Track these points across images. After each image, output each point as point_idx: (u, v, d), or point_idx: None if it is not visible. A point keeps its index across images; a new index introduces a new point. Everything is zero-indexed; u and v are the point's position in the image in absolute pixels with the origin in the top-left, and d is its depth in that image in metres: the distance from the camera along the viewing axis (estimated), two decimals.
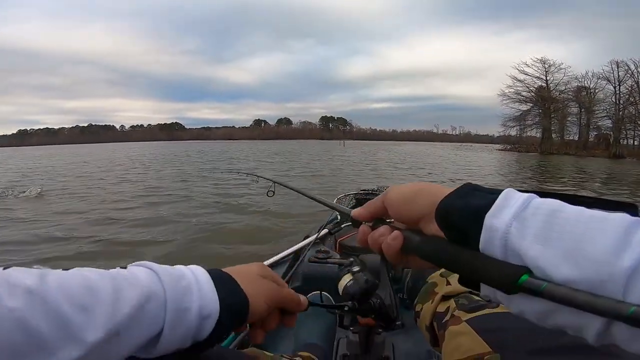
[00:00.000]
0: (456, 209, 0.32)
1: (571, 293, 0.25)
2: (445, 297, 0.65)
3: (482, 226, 0.30)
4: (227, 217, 4.69)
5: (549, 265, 0.26)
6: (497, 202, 0.30)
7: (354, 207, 1.58)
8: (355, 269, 0.59)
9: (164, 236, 3.79)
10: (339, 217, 1.51)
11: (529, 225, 0.28)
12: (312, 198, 0.82)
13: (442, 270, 0.67)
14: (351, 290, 0.57)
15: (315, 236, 1.39)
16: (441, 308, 0.65)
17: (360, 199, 1.84)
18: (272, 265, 1.24)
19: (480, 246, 0.30)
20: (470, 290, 0.63)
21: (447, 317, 0.61)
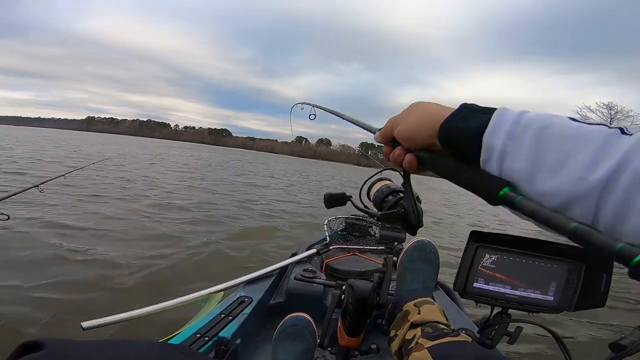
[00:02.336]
0: (456, 131, 0.36)
1: (537, 208, 0.29)
2: (414, 325, 0.69)
3: (480, 146, 0.33)
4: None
5: (533, 180, 0.30)
6: (491, 122, 0.33)
7: (343, 231, 1.82)
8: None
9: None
10: (328, 239, 1.55)
11: (521, 142, 0.31)
12: (342, 116, 0.86)
13: (417, 299, 0.74)
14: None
15: (302, 255, 1.38)
16: (409, 335, 0.68)
17: (351, 223, 1.85)
18: (256, 280, 1.22)
19: (481, 162, 0.34)
20: (437, 320, 0.69)
21: (413, 344, 0.65)
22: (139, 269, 2.66)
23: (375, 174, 0.73)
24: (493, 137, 0.32)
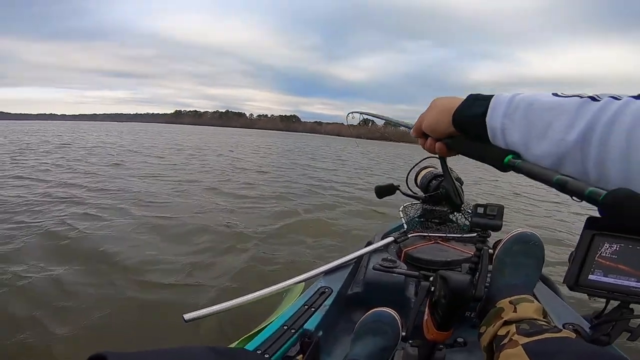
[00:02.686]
0: (465, 118, 0.47)
1: (531, 167, 0.38)
2: (508, 322, 0.67)
3: (485, 127, 0.43)
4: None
5: (528, 147, 0.39)
6: (490, 106, 0.43)
7: (420, 217, 1.47)
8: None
9: None
10: (405, 227, 1.48)
11: (514, 119, 0.40)
12: (386, 119, 0.96)
13: (514, 296, 0.71)
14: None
15: (379, 244, 1.34)
16: (502, 332, 0.66)
17: (429, 209, 1.74)
18: (334, 270, 1.21)
19: (490, 139, 0.43)
20: (535, 317, 0.65)
21: (506, 340, 0.62)
22: (225, 255, 2.87)
23: (419, 162, 0.78)
24: (493, 119, 0.42)
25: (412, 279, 1.06)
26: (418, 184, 0.79)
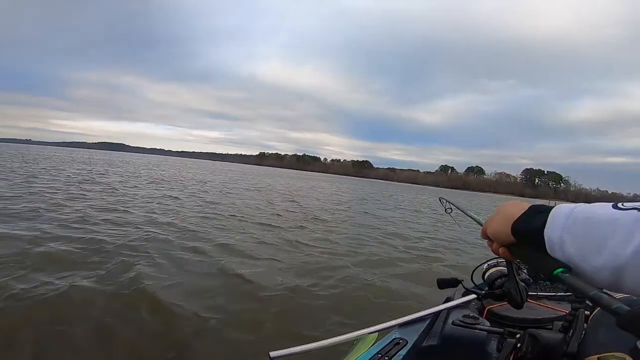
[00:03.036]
0: (524, 230, 0.49)
1: (574, 282, 0.40)
2: None
3: (543, 238, 0.44)
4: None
5: (585, 260, 0.40)
6: (549, 220, 0.44)
7: (499, 278, 1.43)
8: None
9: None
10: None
11: (572, 232, 0.41)
12: (470, 217, 1.04)
13: (603, 353, 0.69)
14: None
15: (459, 300, 1.30)
16: None
17: (518, 267, 1.62)
18: (409, 323, 1.19)
19: (547, 250, 0.44)
20: None
21: None
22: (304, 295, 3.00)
23: (487, 261, 0.84)
24: (551, 232, 0.44)
25: (494, 336, 1.04)
26: (485, 279, 0.85)
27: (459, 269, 4.57)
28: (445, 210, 1.55)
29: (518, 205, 0.53)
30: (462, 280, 1.02)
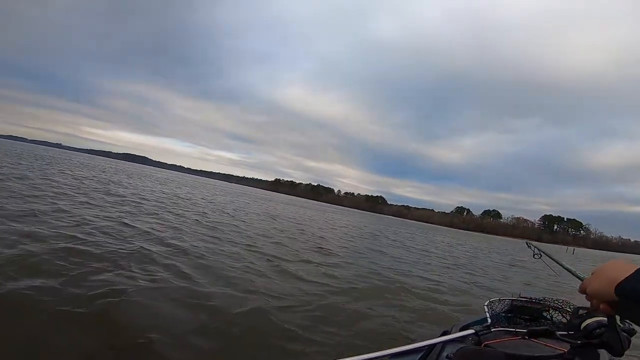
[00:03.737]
0: (629, 292, 0.52)
1: None
2: None
3: None
4: None
5: None
6: None
7: (507, 312, 1.63)
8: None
9: None
10: (489, 320, 1.47)
11: None
12: (567, 269, 1.05)
13: None
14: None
15: (456, 335, 1.28)
16: None
17: (518, 306, 1.68)
18: (402, 354, 1.16)
19: None
20: None
21: None
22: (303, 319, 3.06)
23: (589, 312, 0.84)
24: None
25: None
26: (581, 327, 0.84)
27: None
28: (534, 255, 1.60)
29: (620, 269, 0.55)
30: (555, 331, 1.00)
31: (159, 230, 6.20)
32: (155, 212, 8.70)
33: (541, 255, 1.54)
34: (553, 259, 1.26)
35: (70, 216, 5.69)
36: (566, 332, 1.23)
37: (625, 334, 0.73)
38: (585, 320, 0.80)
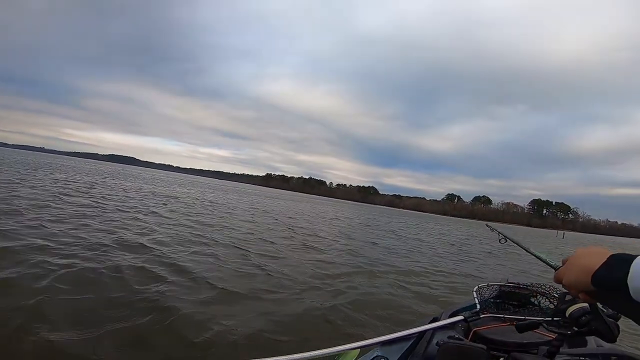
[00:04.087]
0: (605, 281, 0.50)
1: None
2: None
3: (627, 287, 0.46)
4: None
5: None
6: (631, 269, 0.46)
7: (496, 298, 1.63)
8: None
9: None
10: (478, 307, 1.47)
11: None
12: (527, 250, 1.09)
13: None
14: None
15: (445, 321, 1.30)
16: None
17: (508, 291, 1.69)
18: (392, 341, 1.18)
19: (633, 297, 0.46)
20: None
21: None
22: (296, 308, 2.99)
23: (570, 299, 0.84)
24: (635, 282, 0.45)
25: (480, 357, 1.04)
26: (567, 315, 0.81)
27: None
28: (499, 240, 1.55)
29: (595, 255, 0.54)
30: (542, 323, 1.01)
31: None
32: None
33: (507, 240, 1.49)
34: (520, 245, 1.23)
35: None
36: (553, 320, 1.26)
37: (610, 319, 0.72)
38: (570, 306, 0.81)
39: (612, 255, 0.51)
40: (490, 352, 0.93)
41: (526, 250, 1.13)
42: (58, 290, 2.69)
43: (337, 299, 3.63)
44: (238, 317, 2.73)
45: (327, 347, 1.07)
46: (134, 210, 8.34)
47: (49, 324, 2.19)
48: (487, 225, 2.03)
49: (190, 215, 9.08)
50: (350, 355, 1.17)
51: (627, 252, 0.52)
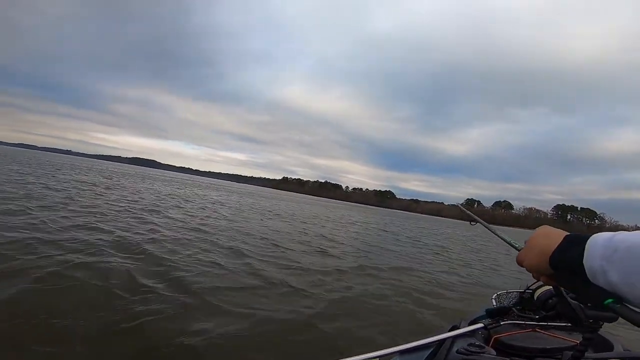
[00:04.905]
0: (561, 263, 0.49)
1: (631, 314, 0.41)
2: None
3: (583, 268, 0.45)
4: None
5: (633, 287, 0.40)
6: (586, 249, 0.45)
7: (515, 305, 1.46)
8: None
9: None
10: (498, 314, 1.42)
11: (613, 261, 0.42)
12: (493, 232, 1.09)
13: None
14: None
15: (465, 329, 1.25)
16: None
17: (527, 298, 1.62)
18: (411, 350, 1.16)
19: (589, 278, 0.45)
20: None
21: None
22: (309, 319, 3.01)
23: (533, 284, 0.83)
24: (591, 262, 0.44)
25: None
26: (535, 300, 0.87)
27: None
28: (470, 223, 1.53)
29: (551, 237, 0.52)
30: (512, 308, 1.04)
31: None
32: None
33: (476, 223, 1.48)
34: (487, 228, 1.26)
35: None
36: (524, 305, 1.31)
37: (575, 301, 0.68)
38: (537, 289, 0.80)
39: (567, 236, 0.50)
40: (513, 359, 0.91)
41: (492, 232, 1.14)
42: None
43: (360, 306, 3.61)
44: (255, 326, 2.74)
45: (345, 358, 1.06)
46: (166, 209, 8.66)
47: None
48: (456, 205, 2.00)
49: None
50: None
51: None
